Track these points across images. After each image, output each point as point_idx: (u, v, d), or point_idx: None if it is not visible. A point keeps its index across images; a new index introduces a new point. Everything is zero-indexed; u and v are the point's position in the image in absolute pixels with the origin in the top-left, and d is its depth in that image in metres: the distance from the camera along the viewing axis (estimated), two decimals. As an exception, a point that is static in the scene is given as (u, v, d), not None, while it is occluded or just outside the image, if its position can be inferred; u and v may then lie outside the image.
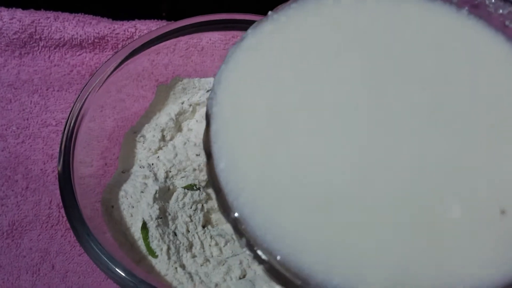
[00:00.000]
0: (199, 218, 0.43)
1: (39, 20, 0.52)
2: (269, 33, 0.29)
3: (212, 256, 0.42)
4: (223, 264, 0.40)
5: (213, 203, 0.44)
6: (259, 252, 0.24)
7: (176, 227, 0.42)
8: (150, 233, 0.40)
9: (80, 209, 0.37)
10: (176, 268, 0.40)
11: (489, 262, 0.24)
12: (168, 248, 0.40)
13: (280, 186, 0.25)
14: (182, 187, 0.43)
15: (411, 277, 0.23)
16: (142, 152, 0.45)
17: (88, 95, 0.42)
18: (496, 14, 0.28)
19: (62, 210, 0.42)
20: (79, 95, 0.42)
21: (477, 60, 0.28)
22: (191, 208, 0.43)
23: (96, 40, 0.53)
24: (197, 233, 0.42)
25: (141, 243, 0.40)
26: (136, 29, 0.53)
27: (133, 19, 0.54)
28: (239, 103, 0.27)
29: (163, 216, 0.41)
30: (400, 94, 0.27)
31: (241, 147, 0.26)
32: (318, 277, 0.23)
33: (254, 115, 0.26)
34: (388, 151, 0.25)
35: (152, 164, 0.44)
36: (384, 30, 0.29)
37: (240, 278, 0.39)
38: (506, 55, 0.28)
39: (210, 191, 0.45)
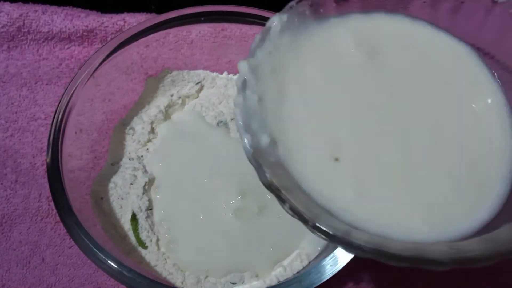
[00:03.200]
0: (189, 209, 0.43)
1: (27, 13, 0.52)
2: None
3: (202, 247, 0.42)
4: (213, 255, 0.40)
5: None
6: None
7: (165, 219, 0.42)
8: (139, 225, 0.40)
9: (70, 201, 0.37)
10: (165, 259, 0.40)
11: None
12: (158, 239, 0.40)
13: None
14: (171, 179, 0.44)
15: None
16: (132, 145, 0.45)
17: (76, 88, 0.42)
18: None
19: (52, 203, 0.42)
20: (66, 88, 0.42)
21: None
22: (180, 199, 0.43)
23: (84, 33, 0.53)
24: (187, 224, 0.42)
25: (131, 234, 0.40)
26: (125, 22, 0.53)
27: (122, 12, 0.54)
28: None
29: (152, 208, 0.41)
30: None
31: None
32: None
33: None
34: None
35: (142, 156, 0.44)
36: None
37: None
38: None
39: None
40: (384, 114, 0.31)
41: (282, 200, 0.26)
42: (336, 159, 0.29)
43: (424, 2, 0.33)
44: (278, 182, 0.27)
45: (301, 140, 0.30)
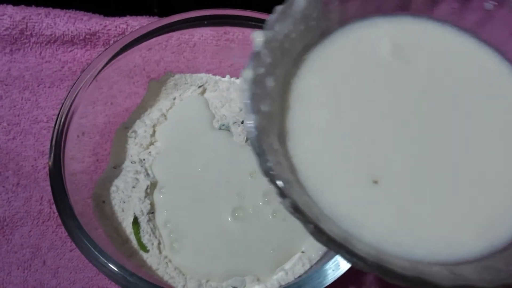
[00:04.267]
0: (191, 213, 0.43)
1: (30, 16, 0.52)
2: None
3: (204, 250, 0.42)
4: (215, 259, 0.40)
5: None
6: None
7: (167, 222, 0.42)
8: (141, 228, 0.40)
9: (71, 204, 0.37)
10: (167, 262, 0.40)
11: None
12: (159, 243, 0.40)
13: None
14: (173, 183, 0.43)
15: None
16: (134, 148, 0.45)
17: (78, 91, 0.42)
18: None
19: (53, 206, 0.42)
20: (69, 91, 0.42)
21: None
22: (182, 203, 0.43)
23: (87, 37, 0.53)
24: (188, 228, 0.42)
25: (132, 238, 0.40)
26: (127, 25, 0.53)
27: (125, 15, 0.54)
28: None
29: (154, 211, 0.41)
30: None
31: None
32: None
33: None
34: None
35: (144, 159, 0.44)
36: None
37: (231, 272, 0.40)
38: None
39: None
40: (423, 129, 0.28)
41: (282, 194, 0.24)
42: (375, 182, 0.27)
43: (453, 8, 0.31)
44: (280, 172, 0.24)
45: (328, 156, 0.27)
